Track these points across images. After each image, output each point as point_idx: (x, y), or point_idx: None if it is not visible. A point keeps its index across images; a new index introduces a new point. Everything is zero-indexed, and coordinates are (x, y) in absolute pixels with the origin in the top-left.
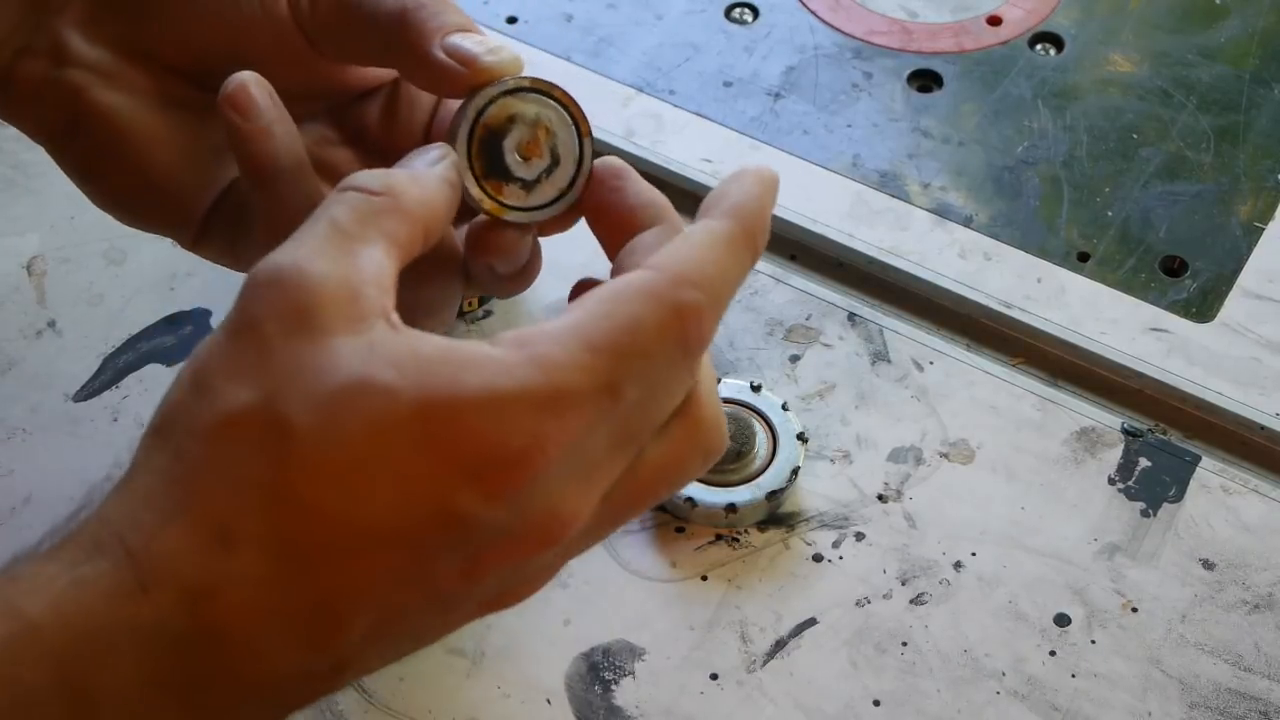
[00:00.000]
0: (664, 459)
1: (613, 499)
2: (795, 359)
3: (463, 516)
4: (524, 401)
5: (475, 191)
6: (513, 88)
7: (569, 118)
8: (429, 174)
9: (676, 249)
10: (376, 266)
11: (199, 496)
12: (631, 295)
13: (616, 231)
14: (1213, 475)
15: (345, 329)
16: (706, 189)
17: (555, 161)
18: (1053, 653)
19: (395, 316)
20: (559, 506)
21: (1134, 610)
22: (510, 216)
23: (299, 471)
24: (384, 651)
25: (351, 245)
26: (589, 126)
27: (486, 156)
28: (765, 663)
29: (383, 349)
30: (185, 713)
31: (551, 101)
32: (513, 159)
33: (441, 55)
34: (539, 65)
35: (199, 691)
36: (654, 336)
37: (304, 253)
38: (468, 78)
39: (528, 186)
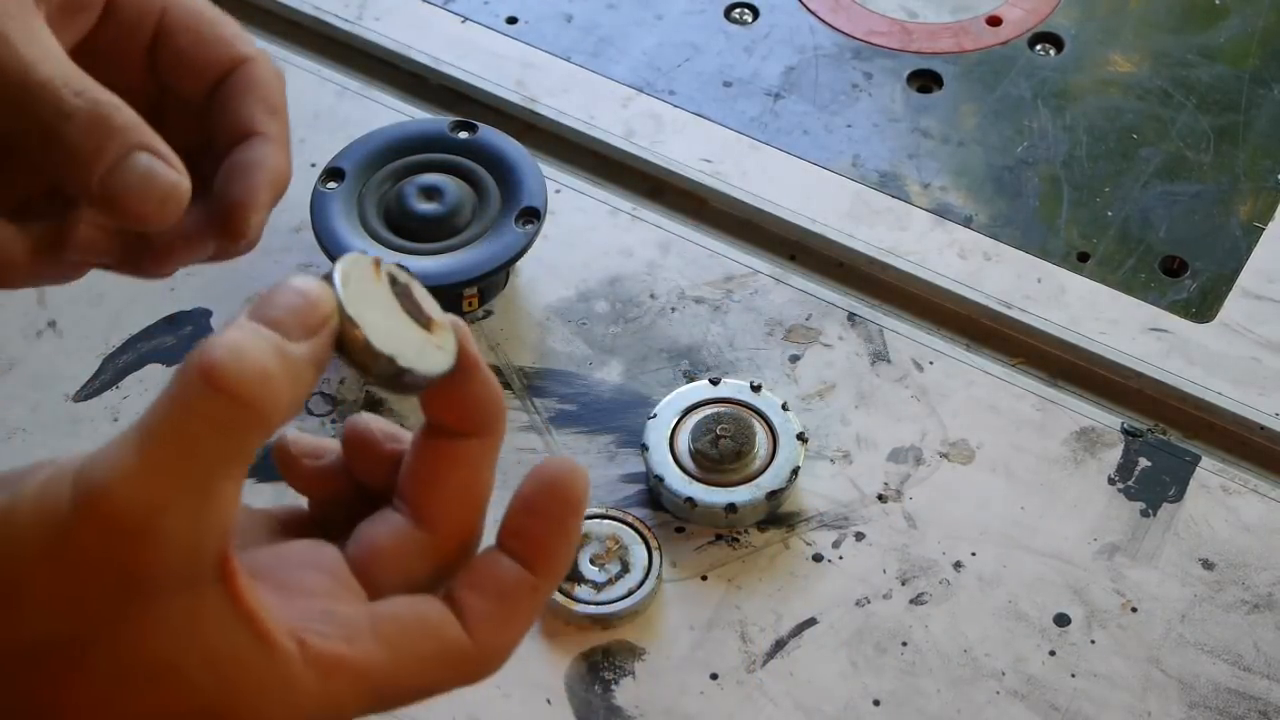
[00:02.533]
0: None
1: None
2: (795, 359)
3: None
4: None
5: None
6: (591, 515)
7: (638, 536)
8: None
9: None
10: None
11: None
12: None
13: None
14: (1212, 475)
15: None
16: (706, 189)
17: (625, 569)
18: (1052, 653)
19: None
20: None
21: (1134, 610)
22: (579, 609)
23: None
24: None
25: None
26: (659, 542)
27: None
28: (765, 663)
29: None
30: None
31: (624, 525)
32: (585, 565)
33: (100, 195)
34: (539, 65)
35: None
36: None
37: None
38: (135, 225)
39: (599, 587)
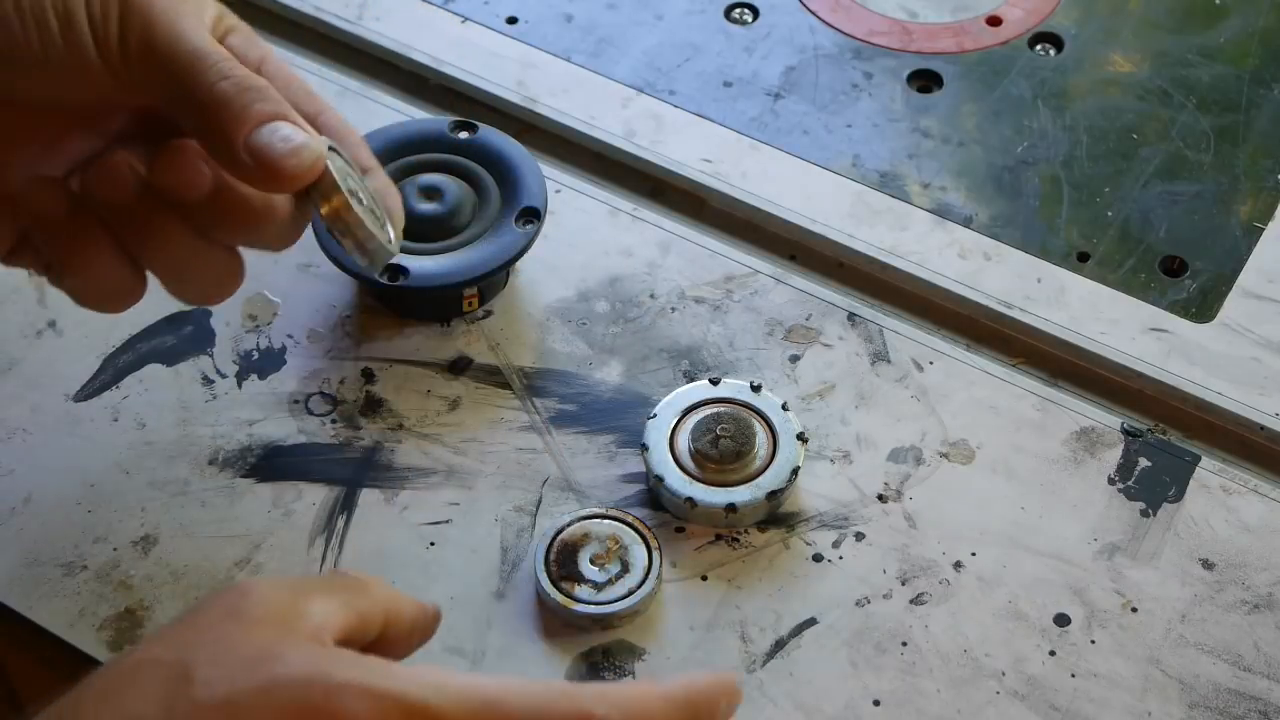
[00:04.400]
0: None
1: None
2: (795, 359)
3: None
4: (397, 706)
5: (549, 588)
6: (588, 515)
7: (638, 536)
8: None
9: (620, 685)
10: (324, 609)
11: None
12: (554, 688)
13: None
14: (1212, 475)
15: (274, 624)
16: (706, 189)
17: (625, 569)
18: (1053, 653)
19: (328, 640)
20: None
21: (1134, 610)
22: (579, 609)
23: (189, 704)
24: None
25: (312, 590)
26: (659, 542)
27: (562, 563)
28: (765, 663)
29: (301, 640)
30: None
31: (624, 525)
32: (585, 566)
33: (245, 157)
34: (539, 65)
35: None
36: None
37: (268, 579)
38: (273, 185)
39: (599, 587)
